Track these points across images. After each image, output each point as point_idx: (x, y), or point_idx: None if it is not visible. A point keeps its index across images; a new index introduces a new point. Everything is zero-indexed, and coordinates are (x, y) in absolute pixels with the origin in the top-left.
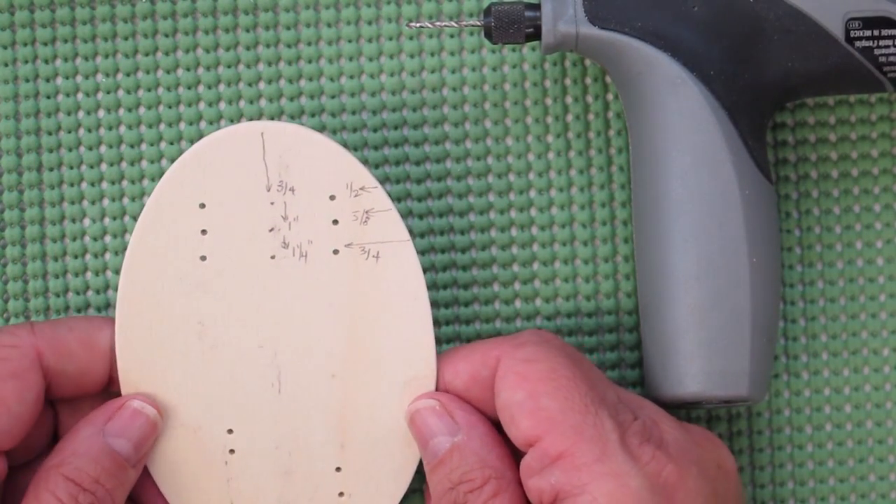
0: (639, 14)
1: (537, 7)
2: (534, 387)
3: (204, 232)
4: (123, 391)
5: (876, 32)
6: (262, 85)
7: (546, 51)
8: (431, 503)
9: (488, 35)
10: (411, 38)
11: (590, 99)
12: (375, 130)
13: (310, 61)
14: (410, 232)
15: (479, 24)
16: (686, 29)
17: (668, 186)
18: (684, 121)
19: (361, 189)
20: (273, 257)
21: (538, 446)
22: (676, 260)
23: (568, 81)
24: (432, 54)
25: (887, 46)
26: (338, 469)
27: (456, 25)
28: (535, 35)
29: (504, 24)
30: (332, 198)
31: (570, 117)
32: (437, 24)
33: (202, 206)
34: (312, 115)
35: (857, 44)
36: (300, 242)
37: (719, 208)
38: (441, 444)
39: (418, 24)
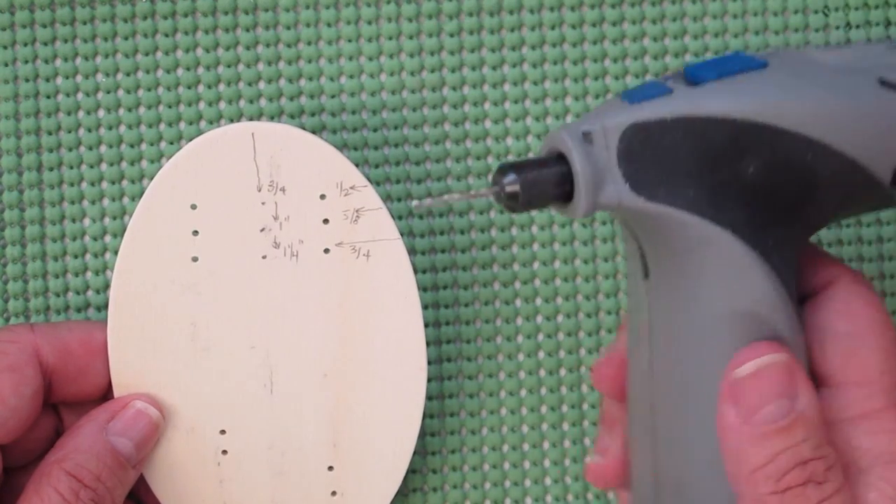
0: (689, 181)
1: (563, 162)
2: (859, 328)
3: (195, 233)
4: (116, 393)
5: None
6: (262, 85)
7: (576, 216)
8: (744, 472)
9: (512, 200)
10: (411, 38)
11: (590, 100)
12: (375, 130)
13: (310, 61)
14: (411, 232)
15: (496, 191)
16: (742, 196)
17: (708, 373)
18: (743, 305)
19: (352, 188)
20: (264, 257)
21: (839, 393)
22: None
23: (568, 82)
24: (432, 54)
25: None
26: (330, 468)
27: (468, 197)
28: (566, 197)
29: (534, 193)
30: (323, 197)
31: (569, 117)
32: (447, 198)
33: (193, 207)
34: (312, 115)
35: None
36: (291, 242)
37: None
38: (782, 408)
39: (426, 203)
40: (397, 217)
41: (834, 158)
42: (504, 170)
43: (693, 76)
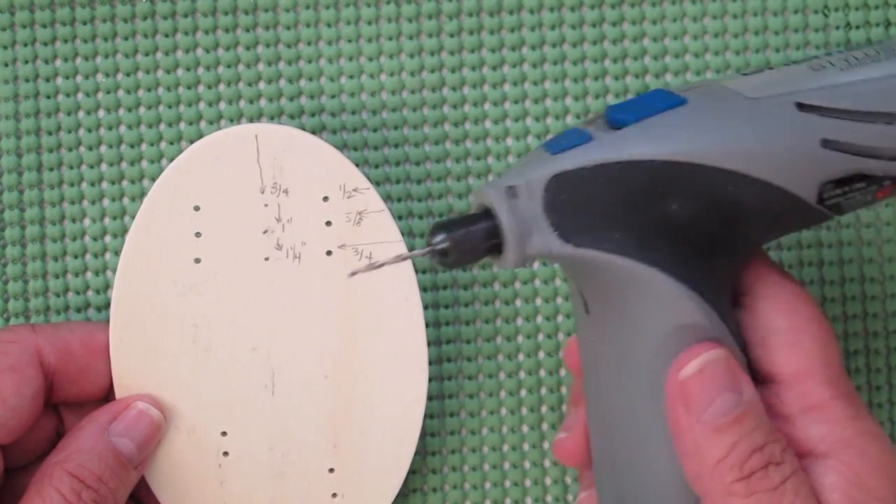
0: (615, 224)
1: (490, 217)
2: (798, 322)
3: (198, 234)
4: (117, 393)
5: (847, 188)
6: (262, 85)
7: (507, 267)
8: (707, 467)
9: (443, 255)
10: (411, 38)
11: (590, 100)
12: (375, 130)
13: (310, 61)
14: (411, 232)
15: (427, 250)
16: (668, 234)
17: (640, 401)
18: (675, 336)
19: (354, 190)
20: (267, 259)
21: (788, 388)
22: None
23: (568, 82)
24: (432, 54)
25: (854, 195)
26: (331, 470)
27: (403, 259)
28: (496, 250)
29: (463, 250)
30: (326, 199)
31: (570, 117)
32: (378, 265)
33: (196, 208)
34: (312, 115)
35: (828, 202)
36: (294, 244)
37: None
38: (731, 401)
39: (358, 272)
40: (397, 217)
41: (756, 187)
42: (435, 230)
43: (613, 120)
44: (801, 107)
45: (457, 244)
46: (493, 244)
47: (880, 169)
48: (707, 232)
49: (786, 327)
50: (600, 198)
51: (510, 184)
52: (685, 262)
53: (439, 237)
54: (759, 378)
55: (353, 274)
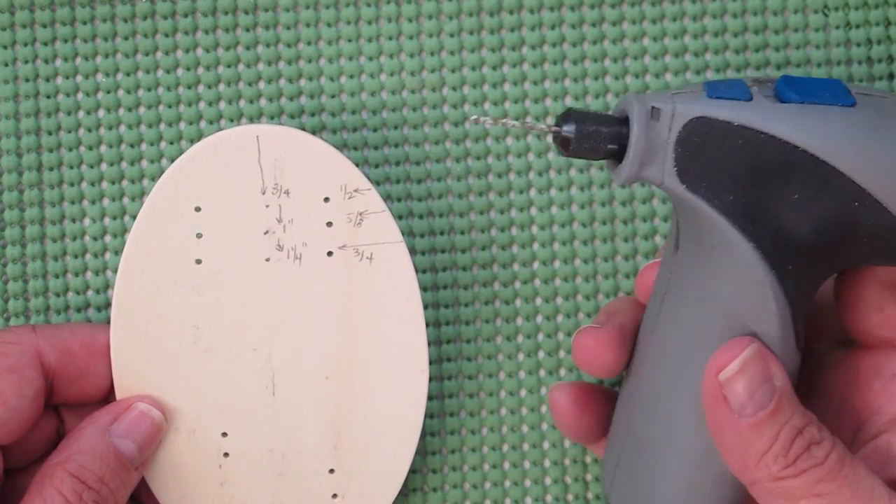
0: (733, 187)
1: (625, 123)
2: None
3: (199, 235)
4: (118, 395)
5: None
6: (262, 85)
7: (618, 180)
8: (753, 459)
9: (564, 145)
10: (411, 38)
11: (590, 100)
12: (375, 130)
13: (310, 61)
14: (411, 232)
15: (551, 129)
16: (777, 217)
17: (689, 368)
18: (745, 310)
19: (355, 191)
20: (268, 260)
21: (892, 352)
22: (680, 428)
23: (568, 82)
24: (432, 54)
25: None
26: (331, 471)
27: (521, 127)
28: (618, 155)
29: (585, 144)
30: (327, 200)
31: None
32: (502, 121)
33: (198, 209)
34: (312, 115)
35: None
36: (294, 245)
37: None
38: (767, 393)
39: (480, 119)
40: (397, 216)
41: (882, 216)
42: (566, 116)
43: (781, 90)
44: None
45: (582, 136)
46: (614, 150)
47: None
48: (814, 233)
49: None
50: (732, 157)
51: (656, 105)
52: (780, 251)
53: (568, 125)
54: (868, 343)
55: (476, 119)
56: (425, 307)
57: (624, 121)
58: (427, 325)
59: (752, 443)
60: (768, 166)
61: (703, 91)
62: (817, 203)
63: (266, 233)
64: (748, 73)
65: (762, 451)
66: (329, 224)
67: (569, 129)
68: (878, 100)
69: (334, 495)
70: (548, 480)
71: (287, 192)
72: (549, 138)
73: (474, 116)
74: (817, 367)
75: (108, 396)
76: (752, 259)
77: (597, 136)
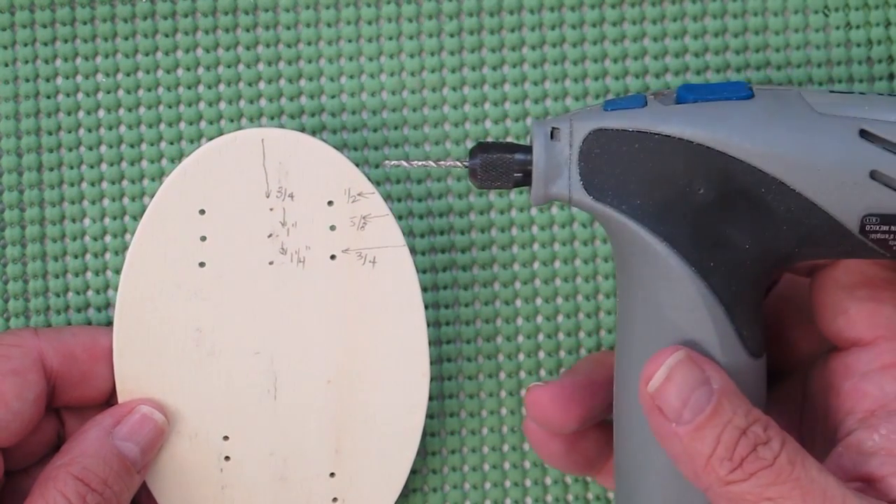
0: (638, 191)
1: (529, 150)
2: (876, 290)
3: (203, 238)
4: (120, 398)
5: (894, 227)
6: (262, 85)
7: (535, 203)
8: (700, 465)
9: (473, 177)
10: (411, 38)
11: (590, 100)
12: (375, 130)
13: (310, 61)
14: (411, 232)
15: (461, 165)
16: (687, 214)
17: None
18: (675, 314)
19: (359, 195)
20: (271, 263)
21: (870, 349)
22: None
23: (568, 82)
24: (432, 54)
25: None
26: (332, 475)
27: (436, 166)
28: (525, 182)
29: (491, 174)
30: (331, 203)
31: None
32: (417, 163)
33: (202, 212)
34: (312, 115)
35: (872, 236)
36: (298, 248)
37: None
38: (703, 395)
39: (395, 163)
40: (397, 216)
41: (791, 197)
42: (474, 149)
43: (680, 96)
44: (864, 134)
45: (487, 167)
46: (521, 177)
47: None
48: (728, 225)
49: (866, 296)
50: (632, 163)
51: (555, 125)
52: (698, 247)
53: (474, 159)
54: (840, 345)
55: (387, 165)
56: (425, 307)
57: (528, 148)
58: (427, 325)
59: (696, 448)
60: (669, 166)
61: (600, 107)
62: (725, 195)
63: (270, 236)
64: (748, 74)
65: (707, 455)
66: (332, 228)
67: (475, 162)
68: (779, 91)
69: (335, 499)
70: (548, 480)
71: (291, 196)
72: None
73: (393, 161)
74: (812, 374)
75: (110, 399)
76: (671, 260)
77: (502, 165)
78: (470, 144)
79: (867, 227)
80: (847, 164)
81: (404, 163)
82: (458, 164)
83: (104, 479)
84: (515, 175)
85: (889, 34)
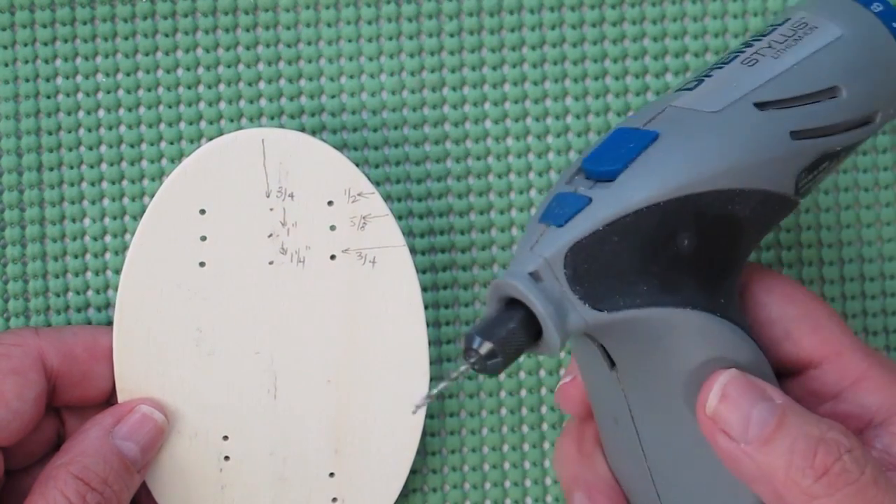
0: (639, 278)
1: (519, 307)
2: (807, 307)
3: (203, 238)
4: (120, 398)
5: (816, 171)
6: (262, 85)
7: (552, 354)
8: (779, 481)
9: (492, 363)
10: (411, 38)
11: (590, 100)
12: (375, 130)
13: (310, 61)
14: (411, 232)
15: (473, 365)
16: (684, 270)
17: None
18: (708, 356)
19: (359, 195)
20: (271, 263)
21: (826, 369)
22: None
23: (568, 82)
24: (432, 54)
25: (821, 175)
26: (331, 475)
27: (454, 380)
28: (536, 335)
29: (511, 349)
30: (331, 203)
31: (570, 118)
32: (440, 388)
33: (202, 212)
34: (312, 115)
35: (802, 190)
36: (298, 248)
37: None
38: (766, 409)
39: (427, 400)
40: (397, 217)
41: (749, 197)
42: (470, 338)
43: (593, 172)
44: (761, 106)
45: (502, 345)
46: (533, 335)
47: (839, 143)
48: (718, 255)
49: (801, 314)
50: (618, 255)
51: (531, 269)
52: (707, 292)
53: (480, 343)
54: (794, 370)
55: (416, 411)
56: (425, 307)
57: (514, 306)
58: (427, 325)
59: (770, 463)
60: (649, 236)
61: (550, 225)
62: (705, 231)
63: (270, 236)
64: None
65: (783, 469)
66: (332, 228)
67: (483, 345)
68: (664, 116)
69: (334, 499)
70: (548, 480)
71: (291, 196)
72: (476, 369)
73: (420, 402)
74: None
75: (110, 399)
76: (693, 318)
77: (512, 335)
78: (470, 144)
79: (800, 185)
80: (770, 139)
81: (428, 397)
82: (472, 364)
83: (104, 478)
84: (527, 339)
85: None
